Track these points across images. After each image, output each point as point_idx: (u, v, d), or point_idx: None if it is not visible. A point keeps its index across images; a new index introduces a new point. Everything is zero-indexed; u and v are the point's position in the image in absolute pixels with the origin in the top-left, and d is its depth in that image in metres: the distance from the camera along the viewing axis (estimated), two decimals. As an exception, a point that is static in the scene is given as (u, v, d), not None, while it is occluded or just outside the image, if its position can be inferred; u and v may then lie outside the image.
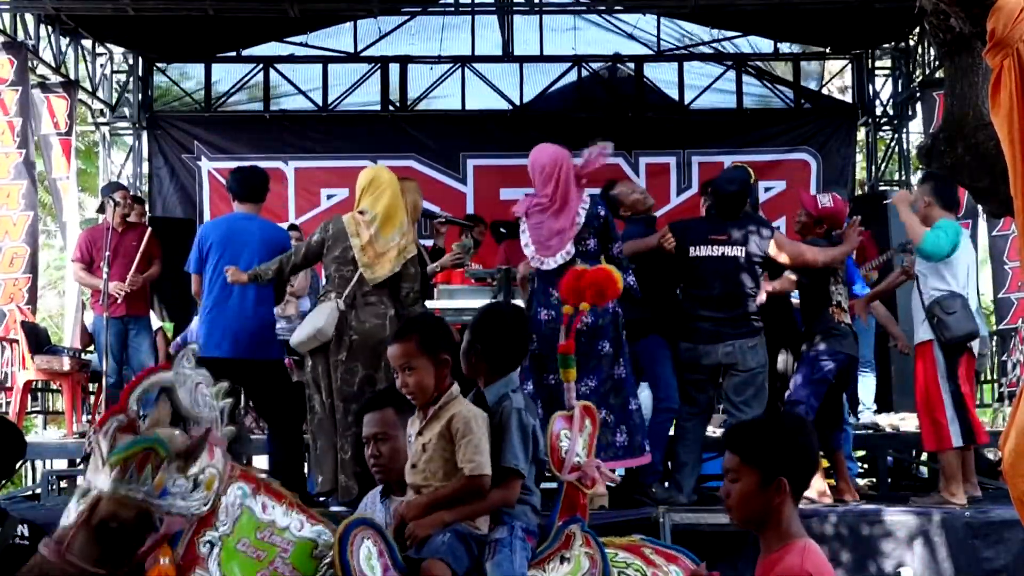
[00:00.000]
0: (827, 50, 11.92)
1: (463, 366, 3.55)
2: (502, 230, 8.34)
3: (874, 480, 7.49)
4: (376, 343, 5.42)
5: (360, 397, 5.34)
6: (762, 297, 6.16)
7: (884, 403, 8.21)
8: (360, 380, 5.47)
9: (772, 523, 2.63)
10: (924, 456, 7.97)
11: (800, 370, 6.10)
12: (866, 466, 8.35)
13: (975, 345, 5.98)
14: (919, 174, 10.57)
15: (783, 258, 6.00)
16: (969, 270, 6.06)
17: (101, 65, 11.18)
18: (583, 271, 3.76)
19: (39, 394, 8.98)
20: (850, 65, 11.95)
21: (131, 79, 11.24)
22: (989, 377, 9.03)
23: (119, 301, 7.44)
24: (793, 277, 6.21)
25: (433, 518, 3.24)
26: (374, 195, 5.68)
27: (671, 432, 6.31)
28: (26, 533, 3.75)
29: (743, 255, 5.93)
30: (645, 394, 6.68)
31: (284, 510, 3.01)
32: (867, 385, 7.84)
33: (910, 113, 11.19)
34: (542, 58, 11.38)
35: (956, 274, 5.94)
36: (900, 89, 11.32)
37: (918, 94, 10.61)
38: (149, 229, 7.94)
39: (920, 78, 10.66)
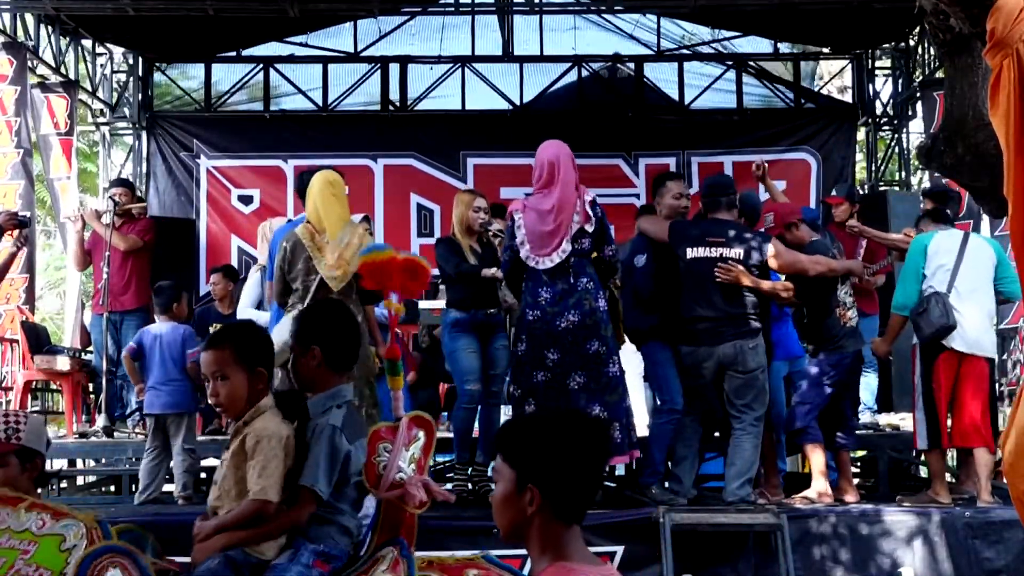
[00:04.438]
0: (827, 50, 11.92)
1: (298, 373, 3.39)
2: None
3: (874, 480, 7.49)
4: None
5: None
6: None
7: (884, 403, 8.22)
8: None
9: (529, 538, 2.23)
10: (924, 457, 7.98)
11: (807, 374, 6.12)
12: (859, 465, 8.37)
13: (956, 344, 5.96)
14: (919, 174, 10.62)
15: (778, 267, 5.99)
16: (959, 267, 6.04)
17: (101, 65, 11.18)
18: (393, 258, 3.58)
19: (39, 394, 8.97)
20: (850, 65, 11.94)
21: (131, 79, 11.24)
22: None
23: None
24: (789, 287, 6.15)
25: (212, 542, 3.15)
26: (309, 203, 5.58)
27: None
28: None
29: (739, 257, 5.92)
30: (647, 395, 6.70)
31: (20, 513, 3.01)
32: (867, 385, 7.84)
33: (910, 113, 11.19)
34: (542, 58, 11.38)
35: (934, 276, 6.02)
36: (900, 89, 11.32)
37: (918, 94, 10.61)
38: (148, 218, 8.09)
39: (920, 78, 10.66)
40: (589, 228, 5.65)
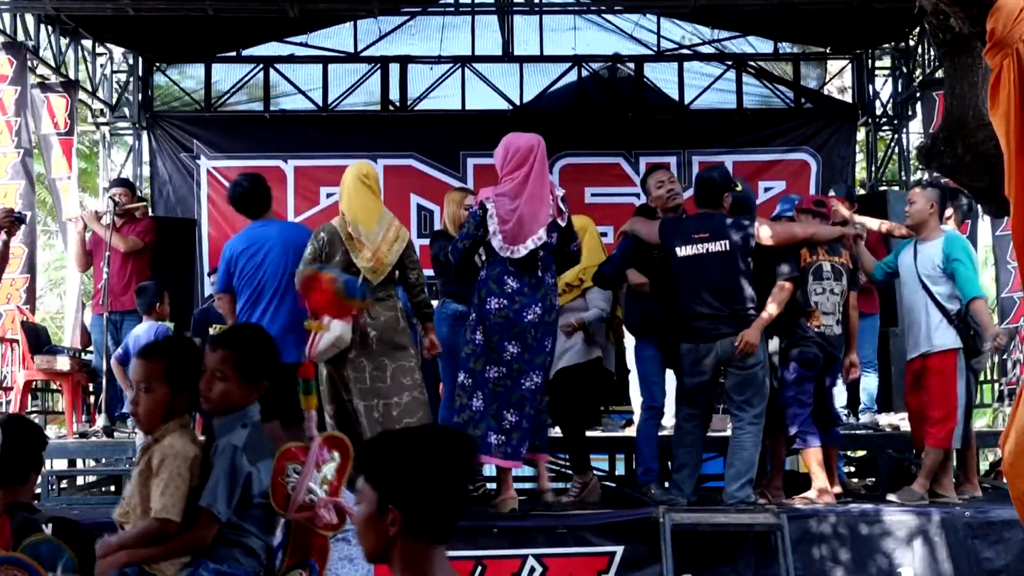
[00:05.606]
0: (827, 50, 11.91)
1: (222, 399, 3.29)
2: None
3: (874, 480, 7.49)
4: (396, 335, 5.51)
5: (402, 388, 5.40)
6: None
7: (884, 403, 8.22)
8: (392, 373, 5.45)
9: (392, 560, 2.16)
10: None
11: (783, 373, 6.12)
12: (856, 464, 8.38)
13: None
14: (919, 174, 10.62)
15: (771, 240, 5.98)
16: None
17: (101, 65, 11.19)
18: (329, 279, 3.47)
19: (39, 394, 8.98)
20: (850, 65, 11.94)
21: (131, 79, 11.24)
22: (989, 377, 9.03)
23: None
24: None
25: (113, 559, 3.13)
26: (343, 196, 5.65)
27: (661, 433, 6.35)
28: (48, 532, 3.71)
29: (727, 248, 5.92)
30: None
31: None
32: (867, 385, 7.84)
33: (910, 113, 11.18)
34: (542, 58, 11.37)
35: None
36: (900, 89, 11.32)
37: (918, 94, 10.61)
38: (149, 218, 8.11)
39: (920, 78, 10.66)
40: (561, 222, 5.59)
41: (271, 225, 6.05)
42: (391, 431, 2.40)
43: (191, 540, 3.15)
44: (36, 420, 9.26)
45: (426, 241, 10.51)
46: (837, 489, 6.13)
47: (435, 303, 6.71)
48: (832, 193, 7.81)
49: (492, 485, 7.09)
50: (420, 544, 2.14)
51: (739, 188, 6.41)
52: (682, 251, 5.98)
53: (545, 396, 5.66)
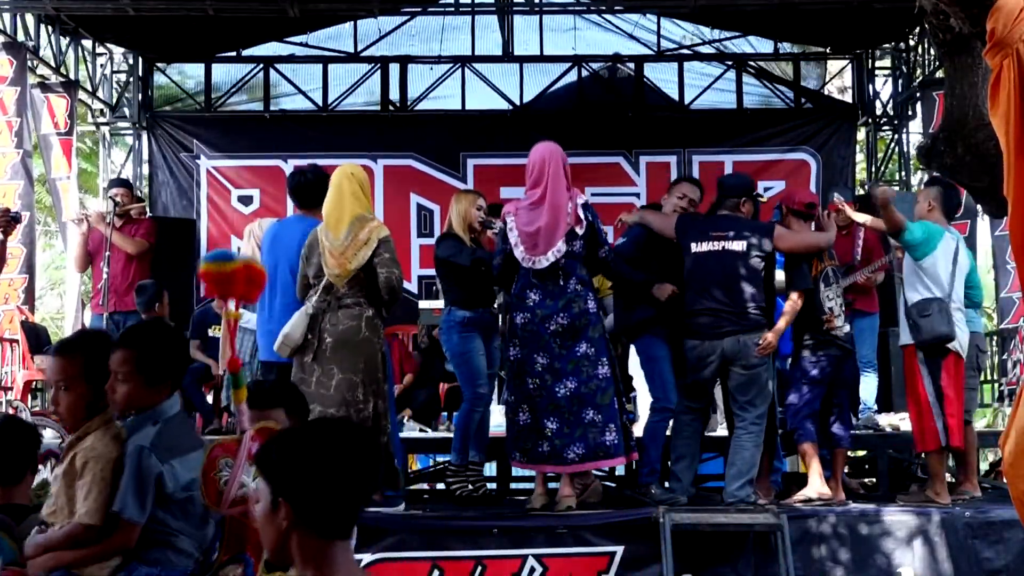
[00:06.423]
0: (827, 50, 11.92)
1: (142, 398, 3.24)
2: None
3: (874, 480, 7.49)
4: (351, 346, 5.33)
5: (340, 401, 5.25)
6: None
7: (884, 403, 8.21)
8: (337, 383, 5.29)
9: (291, 556, 2.15)
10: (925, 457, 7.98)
11: (794, 375, 6.14)
12: (851, 465, 8.38)
13: (959, 347, 6.01)
14: (919, 174, 10.62)
15: (790, 245, 6.03)
16: (955, 275, 6.09)
17: (101, 65, 11.18)
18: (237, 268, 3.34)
19: (39, 394, 8.97)
20: (850, 65, 11.94)
21: (131, 79, 11.23)
22: (989, 377, 9.03)
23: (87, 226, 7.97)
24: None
25: (41, 561, 3.13)
26: (327, 199, 5.55)
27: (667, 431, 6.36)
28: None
29: (745, 248, 5.94)
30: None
31: None
32: (867, 385, 7.84)
33: (910, 113, 11.18)
34: (542, 58, 11.37)
35: (936, 279, 6.03)
36: (900, 89, 11.31)
37: (918, 94, 10.61)
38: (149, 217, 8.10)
39: (920, 78, 10.66)
40: (579, 231, 5.64)
41: (303, 222, 5.87)
42: (289, 428, 2.37)
43: (114, 544, 3.13)
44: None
45: (425, 240, 10.60)
46: (840, 496, 6.11)
47: (439, 303, 6.72)
48: (837, 196, 7.78)
49: (492, 485, 7.10)
50: (316, 540, 2.12)
51: (764, 199, 6.48)
52: (697, 247, 5.99)
53: (612, 396, 5.65)
